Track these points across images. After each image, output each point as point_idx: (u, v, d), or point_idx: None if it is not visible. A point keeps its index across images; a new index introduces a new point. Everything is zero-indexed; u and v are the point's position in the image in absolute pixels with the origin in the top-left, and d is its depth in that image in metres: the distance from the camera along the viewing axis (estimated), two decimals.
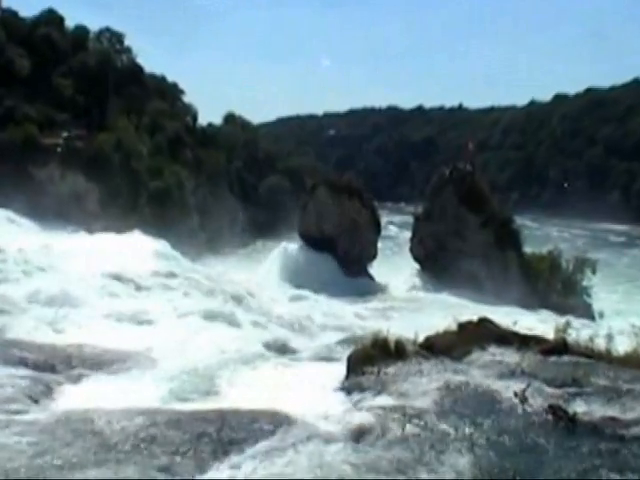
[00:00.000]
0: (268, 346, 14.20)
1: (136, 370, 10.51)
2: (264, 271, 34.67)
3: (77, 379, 9.82)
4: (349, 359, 9.86)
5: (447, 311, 27.00)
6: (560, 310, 28.05)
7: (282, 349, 14.44)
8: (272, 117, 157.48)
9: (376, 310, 29.04)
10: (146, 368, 10.67)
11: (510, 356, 9.41)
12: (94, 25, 53.80)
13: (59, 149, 38.19)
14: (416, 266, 36.91)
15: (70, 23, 52.04)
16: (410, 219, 42.27)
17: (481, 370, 8.92)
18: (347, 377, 9.46)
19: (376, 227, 37.41)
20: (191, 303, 17.71)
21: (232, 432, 6.96)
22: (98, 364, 10.60)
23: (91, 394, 8.96)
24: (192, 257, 33.00)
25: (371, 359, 9.42)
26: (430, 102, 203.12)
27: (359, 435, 6.96)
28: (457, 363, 9.37)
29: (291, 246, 36.95)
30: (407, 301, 31.78)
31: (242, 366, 10.92)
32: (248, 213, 54.28)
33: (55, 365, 10.20)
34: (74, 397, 8.85)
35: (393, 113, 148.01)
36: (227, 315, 16.92)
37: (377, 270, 36.91)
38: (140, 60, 54.82)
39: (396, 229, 64.55)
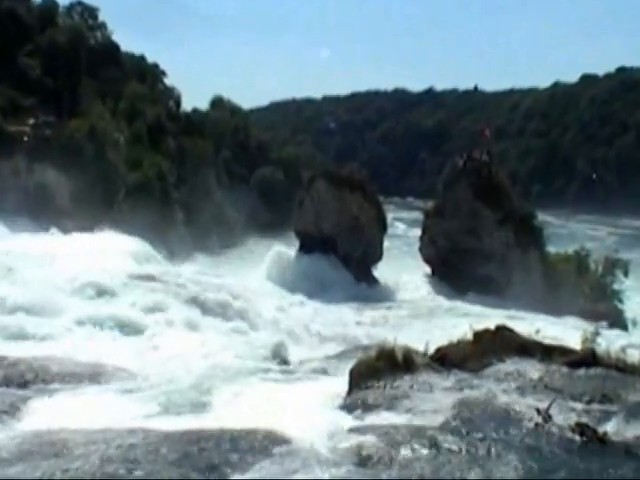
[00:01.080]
0: (261, 358, 14.23)
1: (113, 385, 10.52)
2: (256, 274, 34.70)
3: (47, 395, 9.81)
4: (351, 373, 9.87)
5: (461, 318, 27.34)
6: (588, 317, 28.13)
7: (276, 361, 14.44)
8: (265, 101, 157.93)
9: (381, 318, 29.11)
10: (124, 382, 10.68)
11: (532, 369, 9.42)
12: None
13: (25, 138, 38.12)
14: (426, 268, 36.98)
15: None
16: (419, 216, 42.39)
17: (499, 384, 8.93)
18: (349, 393, 9.47)
19: (381, 225, 37.46)
20: (174, 310, 17.71)
21: (221, 455, 6.95)
22: (70, 378, 10.60)
23: (63, 412, 8.96)
24: (175, 258, 33.05)
25: (376, 373, 9.44)
26: (442, 84, 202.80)
27: (363, 458, 6.95)
28: (472, 376, 9.39)
29: (287, 250, 36.99)
30: (416, 308, 31.88)
31: (232, 380, 10.92)
32: (238, 209, 54.32)
33: (22, 380, 10.21)
34: (44, 416, 8.83)
35: (400, 97, 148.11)
36: (214, 323, 16.94)
37: (383, 273, 36.96)
38: (116, 38, 54.89)
39: (404, 227, 64.65)
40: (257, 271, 35.27)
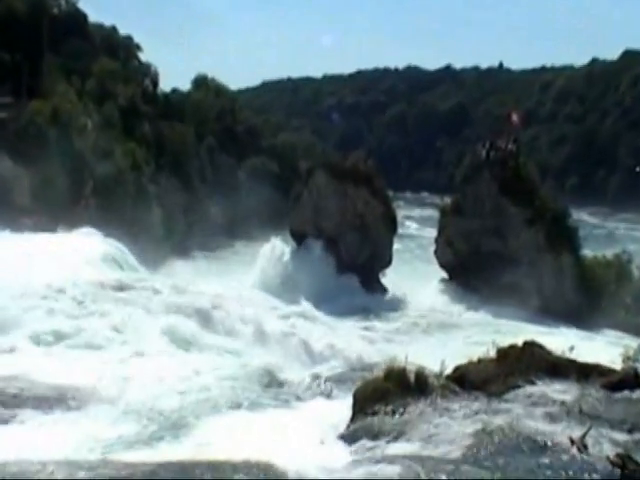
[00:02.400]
0: (251, 378, 14.24)
1: (80, 409, 10.55)
2: (245, 281, 34.68)
3: (5, 421, 9.85)
4: (355, 396, 9.91)
5: (483, 333, 27.37)
6: (630, 331, 28.15)
7: (269, 382, 14.47)
8: (256, 81, 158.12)
9: (391, 332, 29.09)
10: (92, 407, 10.71)
11: (565, 391, 9.46)
12: None
13: None
14: (443, 275, 36.99)
15: None
16: (435, 213, 42.28)
17: (527, 409, 8.97)
18: (353, 419, 9.52)
19: (390, 224, 37.48)
20: (149, 322, 17.74)
21: None
22: (32, 402, 10.62)
23: (23, 441, 8.99)
24: (152, 263, 33.00)
25: (384, 395, 9.48)
26: (461, 61, 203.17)
27: None
28: (496, 400, 9.42)
29: (281, 249, 36.98)
30: (431, 320, 31.85)
31: (216, 405, 10.95)
32: (225, 205, 54.33)
33: None
34: (1, 444, 8.87)
35: (413, 76, 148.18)
36: (196, 338, 16.95)
37: (392, 280, 36.97)
38: (83, 6, 54.93)
39: (417, 226, 64.65)
40: (247, 277, 35.26)
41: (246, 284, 34.10)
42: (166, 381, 12.90)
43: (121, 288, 20.74)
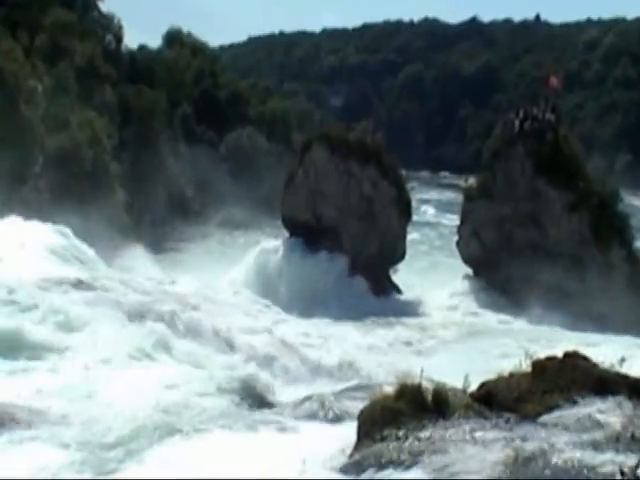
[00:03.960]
0: (231, 396, 14.23)
1: (20, 433, 10.55)
2: (228, 278, 34.71)
3: None
4: (361, 418, 9.91)
5: (515, 342, 27.34)
6: None
7: (255, 401, 14.46)
8: (241, 36, 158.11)
9: (403, 341, 29.13)
10: (36, 431, 10.70)
11: (614, 413, 9.43)
12: None
13: None
14: (467, 271, 37.00)
15: None
16: (457, 197, 42.32)
17: (568, 434, 8.94)
18: (357, 446, 9.52)
19: (404, 210, 37.45)
20: (108, 329, 17.71)
21: None
22: None
23: None
24: (114, 256, 33.01)
25: (395, 418, 9.47)
26: (490, 13, 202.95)
27: None
28: (530, 423, 9.41)
29: (271, 242, 36.97)
30: (452, 327, 31.91)
31: (187, 428, 10.93)
32: (204, 187, 54.33)
33: None
34: None
35: (432, 30, 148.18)
36: (166, 347, 16.94)
37: (405, 278, 37.01)
38: None
39: (435, 212, 64.73)
40: (230, 274, 35.28)
41: (228, 282, 34.17)
42: (128, 397, 12.88)
43: (76, 287, 20.71)
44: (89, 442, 10.09)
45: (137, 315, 19.52)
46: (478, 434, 9.09)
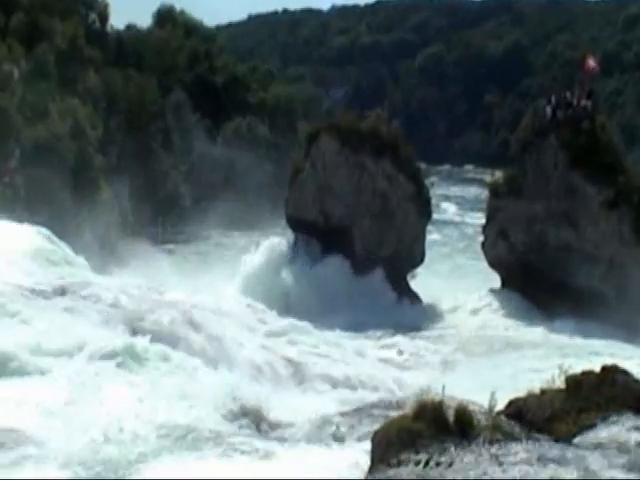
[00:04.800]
0: (230, 415, 14.23)
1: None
2: (226, 284, 34.69)
3: None
4: (375, 440, 9.91)
5: (547, 355, 27.21)
6: None
7: (254, 421, 14.46)
8: (240, 14, 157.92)
9: (422, 354, 29.06)
10: (16, 451, 10.70)
11: None
12: None
13: None
14: (494, 276, 36.93)
15: None
16: (483, 193, 42.16)
17: (607, 458, 8.92)
18: (371, 470, 9.52)
19: (423, 207, 37.44)
20: (97, 341, 17.76)
21: None
22: None
23: None
24: (100, 259, 33.01)
25: (414, 440, 9.47)
26: None
27: None
28: (564, 446, 9.40)
29: (273, 243, 36.94)
30: (476, 338, 31.81)
31: (180, 449, 10.95)
32: (198, 182, 54.36)
33: None
34: None
35: (453, 6, 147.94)
36: (156, 361, 16.93)
37: (424, 284, 36.97)
38: None
39: (457, 210, 64.56)
40: (229, 279, 35.26)
41: (226, 288, 34.18)
42: (113, 417, 12.91)
43: (56, 293, 20.74)
44: (70, 463, 10.11)
45: (125, 325, 19.57)
46: (506, 458, 9.08)
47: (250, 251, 37.17)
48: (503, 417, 10.25)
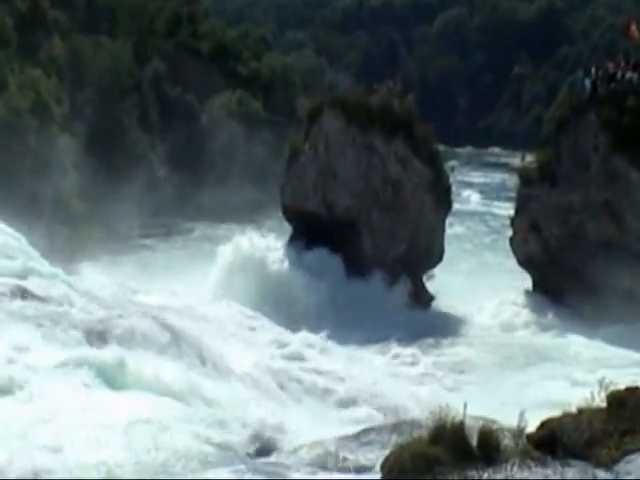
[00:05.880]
0: (221, 437, 14.27)
1: None
2: (212, 286, 34.75)
3: None
4: (386, 467, 9.94)
5: (585, 368, 27.15)
6: None
7: (250, 444, 14.49)
8: None
9: (440, 367, 29.07)
10: None
11: None
12: None
13: None
14: (524, 276, 36.92)
15: None
16: (510, 179, 42.11)
17: None
18: None
19: (441, 197, 37.40)
20: (59, 350, 17.80)
21: None
22: None
23: None
24: (65, 257, 33.01)
25: (431, 467, 9.50)
26: None
27: None
28: (606, 473, 9.43)
29: (267, 238, 36.95)
30: (504, 348, 31.78)
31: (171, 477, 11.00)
32: (180, 166, 54.32)
33: None
34: None
35: None
36: (132, 376, 16.94)
37: (443, 285, 36.97)
38: None
39: (481, 199, 64.40)
40: (214, 279, 35.27)
41: (211, 290, 34.23)
42: (89, 440, 12.97)
43: (17, 298, 20.74)
44: None
45: (93, 333, 19.57)
46: None
47: (239, 246, 37.01)
48: (534, 440, 10.28)
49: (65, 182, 42.44)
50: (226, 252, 36.33)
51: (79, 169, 44.09)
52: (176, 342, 20.68)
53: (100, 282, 29.28)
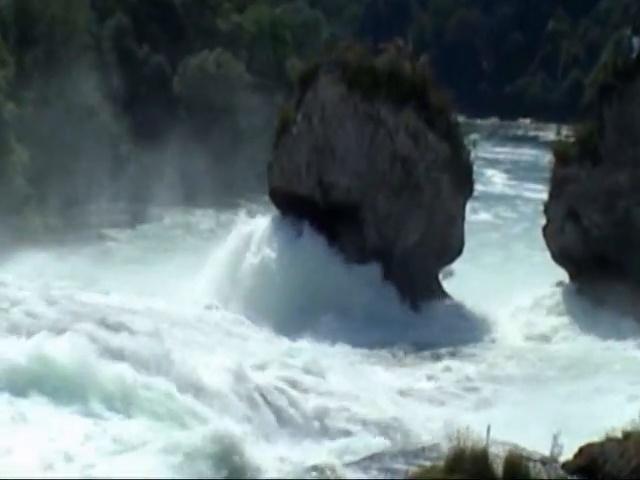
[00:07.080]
0: (200, 461, 14.37)
1: None
2: (192, 283, 34.86)
3: None
4: None
5: (631, 384, 27.11)
6: None
7: (232, 470, 14.56)
8: None
9: (458, 381, 29.10)
10: None
11: None
12: None
13: None
14: (560, 272, 36.96)
15: None
16: (543, 156, 42.20)
17: None
18: None
19: (461, 177, 37.41)
20: (12, 358, 17.87)
21: None
22: None
23: None
24: (9, 246, 33.12)
25: None
26: None
27: None
28: None
29: (258, 226, 37.03)
30: (534, 359, 31.84)
31: None
32: (149, 140, 54.33)
33: None
34: None
35: None
36: (94, 388, 17.02)
37: (464, 283, 37.04)
38: None
39: (507, 180, 64.47)
40: (191, 277, 35.39)
41: (186, 289, 34.32)
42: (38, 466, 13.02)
43: None
44: None
45: (52, 334, 19.63)
46: None
47: (220, 237, 37.09)
48: (571, 469, 10.31)
49: (9, 158, 42.53)
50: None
51: (26, 143, 44.15)
52: (139, 350, 20.75)
53: (49, 277, 29.32)
